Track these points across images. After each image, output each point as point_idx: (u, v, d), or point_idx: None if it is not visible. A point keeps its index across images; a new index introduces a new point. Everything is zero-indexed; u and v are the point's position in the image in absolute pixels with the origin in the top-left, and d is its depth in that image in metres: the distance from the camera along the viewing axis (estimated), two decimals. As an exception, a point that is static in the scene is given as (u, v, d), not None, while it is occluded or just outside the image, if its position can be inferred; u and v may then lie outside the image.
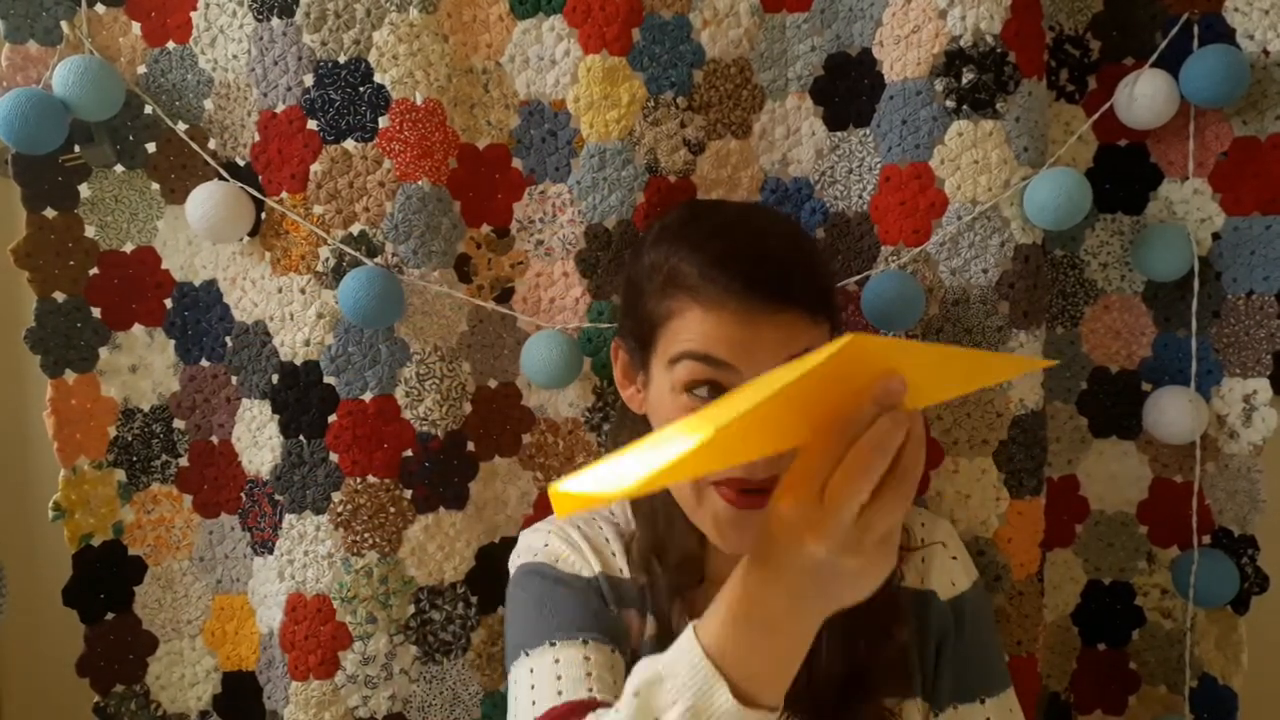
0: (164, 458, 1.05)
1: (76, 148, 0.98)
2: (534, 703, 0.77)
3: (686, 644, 0.60)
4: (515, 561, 0.91)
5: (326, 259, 0.97)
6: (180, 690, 1.08)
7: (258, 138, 0.98)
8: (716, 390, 0.76)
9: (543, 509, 1.05)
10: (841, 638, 0.80)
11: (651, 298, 0.82)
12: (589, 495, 0.47)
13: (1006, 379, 0.62)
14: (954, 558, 0.91)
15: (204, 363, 1.04)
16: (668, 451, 0.46)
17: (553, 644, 0.80)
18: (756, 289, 0.75)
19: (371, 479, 0.98)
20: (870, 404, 0.51)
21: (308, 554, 0.99)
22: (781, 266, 0.79)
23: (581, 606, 0.83)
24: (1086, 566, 1.12)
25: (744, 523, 0.78)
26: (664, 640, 0.84)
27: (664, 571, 0.86)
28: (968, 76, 0.93)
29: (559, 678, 0.77)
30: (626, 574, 0.87)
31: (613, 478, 0.47)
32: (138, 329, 1.03)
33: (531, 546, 0.90)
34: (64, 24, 0.97)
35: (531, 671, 0.80)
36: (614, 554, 0.88)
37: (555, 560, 0.87)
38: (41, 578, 1.13)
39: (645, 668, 0.61)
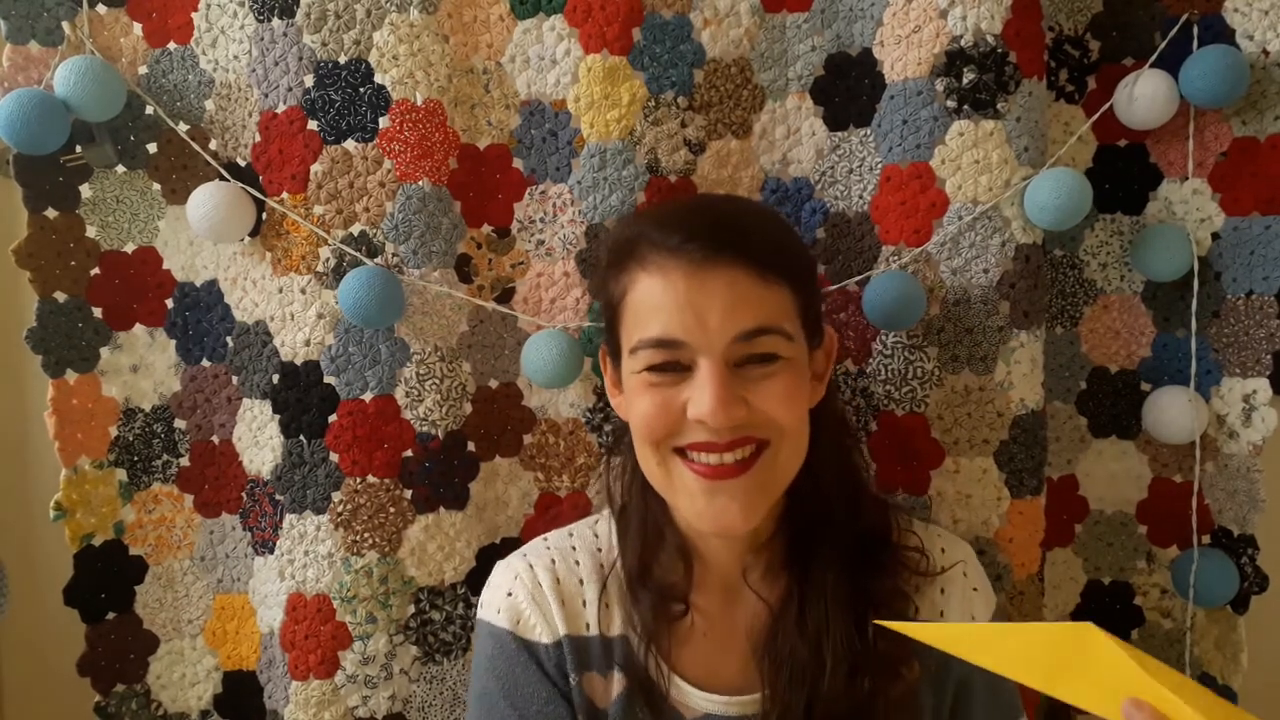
0: (165, 457, 1.05)
1: (78, 148, 0.98)
2: None
3: None
4: (482, 608, 0.87)
5: (327, 259, 0.97)
6: (181, 689, 1.08)
7: (258, 138, 0.98)
8: (673, 367, 0.75)
9: (543, 510, 1.05)
10: (845, 674, 0.78)
11: (610, 279, 0.81)
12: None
13: None
14: (975, 589, 0.87)
15: (205, 363, 1.04)
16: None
17: None
18: (696, 239, 0.74)
19: (371, 479, 0.98)
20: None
21: (308, 554, 0.99)
22: (722, 219, 0.77)
23: (533, 698, 0.82)
24: (1086, 566, 1.12)
25: (717, 492, 0.76)
26: (638, 694, 0.81)
27: (645, 607, 0.82)
28: (968, 76, 0.93)
29: None
30: (594, 629, 0.84)
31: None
32: (139, 329, 1.04)
33: (499, 593, 0.86)
34: (65, 24, 0.97)
35: None
36: (585, 603, 0.84)
37: (516, 623, 0.84)
38: (42, 577, 1.14)
39: None
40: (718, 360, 0.73)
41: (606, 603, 0.84)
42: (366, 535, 0.98)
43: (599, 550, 0.88)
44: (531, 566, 0.86)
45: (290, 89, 0.96)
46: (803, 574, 0.82)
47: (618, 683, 0.83)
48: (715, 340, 0.73)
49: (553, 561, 0.86)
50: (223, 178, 0.99)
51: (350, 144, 0.96)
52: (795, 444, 0.78)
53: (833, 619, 0.80)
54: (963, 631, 0.69)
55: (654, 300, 0.75)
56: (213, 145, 1.00)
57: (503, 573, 0.88)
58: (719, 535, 0.81)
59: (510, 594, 0.85)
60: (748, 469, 0.76)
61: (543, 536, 0.91)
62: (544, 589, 0.85)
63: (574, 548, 0.88)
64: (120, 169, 1.01)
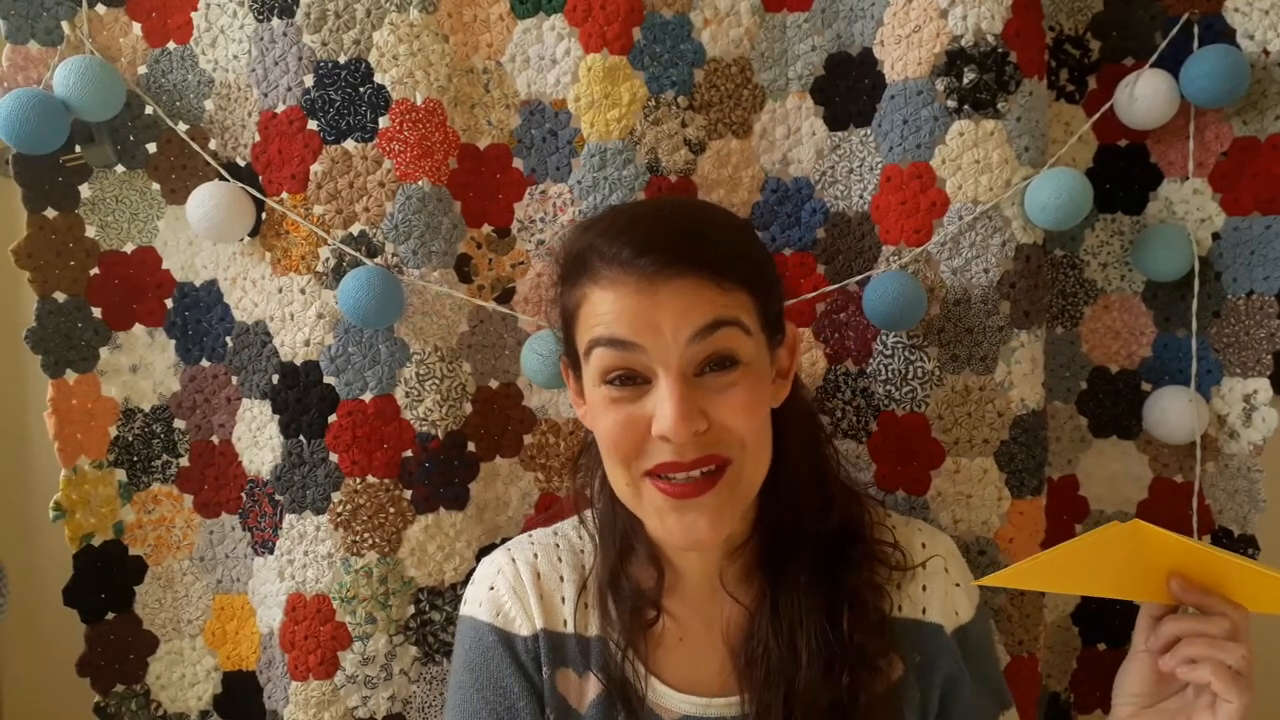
0: (164, 458, 1.05)
1: (77, 148, 0.98)
2: None
3: None
4: (465, 604, 0.88)
5: (326, 259, 0.97)
6: (181, 690, 1.08)
7: (258, 138, 0.98)
8: (629, 379, 0.74)
9: (544, 510, 1.05)
10: (822, 670, 0.78)
11: (564, 293, 0.79)
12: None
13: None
14: (956, 584, 0.86)
15: (204, 363, 1.04)
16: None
17: None
18: (649, 253, 0.72)
19: (371, 479, 0.98)
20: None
21: (308, 554, 0.99)
22: (676, 230, 0.75)
23: (506, 693, 0.83)
24: (1087, 566, 1.12)
25: (685, 509, 0.75)
26: (615, 698, 0.81)
27: (620, 612, 0.83)
28: (969, 76, 0.93)
29: None
30: (570, 627, 0.85)
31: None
32: (138, 329, 1.04)
33: (482, 588, 0.87)
34: (65, 24, 0.97)
35: None
36: (564, 599, 0.86)
37: (496, 614, 0.85)
38: (42, 578, 1.13)
39: None
40: (675, 372, 0.72)
41: (585, 602, 0.85)
42: (366, 535, 0.98)
43: (581, 551, 0.88)
44: (514, 560, 0.88)
45: (290, 89, 0.96)
46: (776, 574, 0.82)
47: (594, 685, 0.83)
48: (671, 347, 0.72)
49: (535, 556, 0.88)
50: (222, 178, 0.99)
51: (350, 144, 0.96)
52: (757, 456, 0.77)
53: (806, 614, 0.80)
54: (1034, 565, 0.76)
55: (606, 308, 0.74)
56: (212, 145, 1.00)
57: (485, 568, 0.89)
58: (689, 550, 0.81)
59: (492, 588, 0.87)
60: (713, 485, 0.75)
61: (528, 533, 0.92)
62: (524, 582, 0.86)
63: (557, 545, 0.89)
64: (120, 169, 1.01)
